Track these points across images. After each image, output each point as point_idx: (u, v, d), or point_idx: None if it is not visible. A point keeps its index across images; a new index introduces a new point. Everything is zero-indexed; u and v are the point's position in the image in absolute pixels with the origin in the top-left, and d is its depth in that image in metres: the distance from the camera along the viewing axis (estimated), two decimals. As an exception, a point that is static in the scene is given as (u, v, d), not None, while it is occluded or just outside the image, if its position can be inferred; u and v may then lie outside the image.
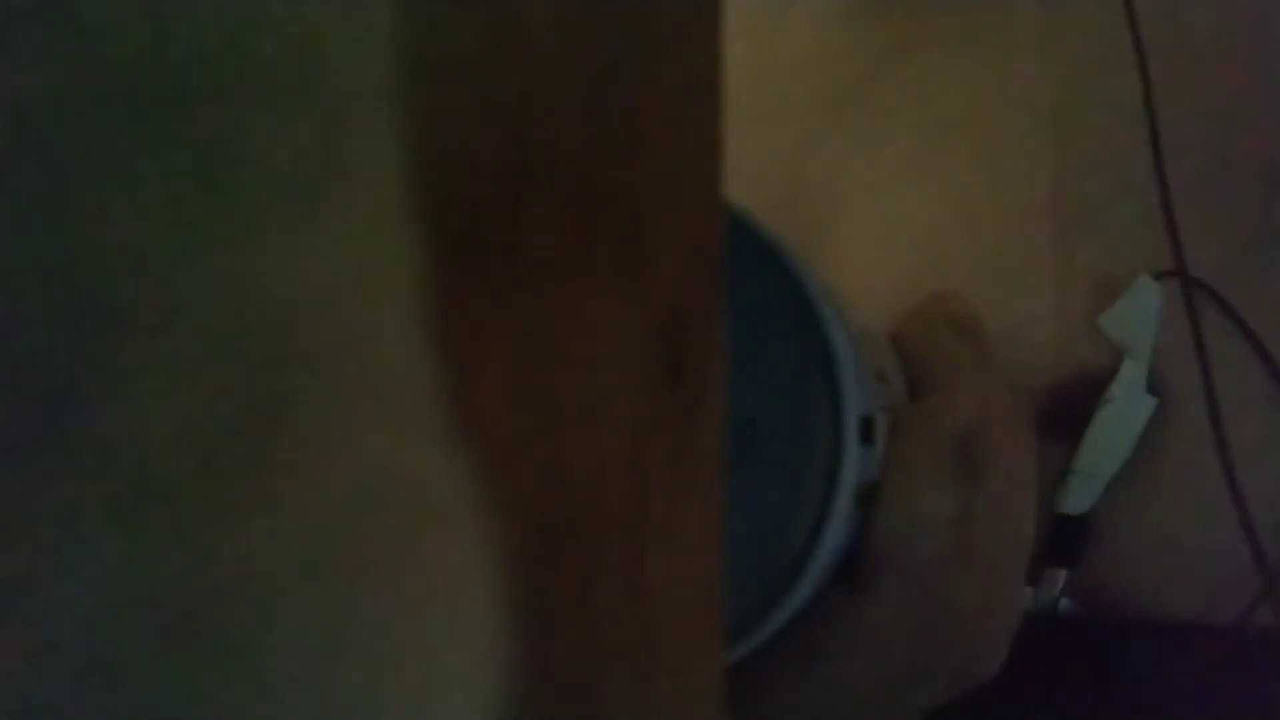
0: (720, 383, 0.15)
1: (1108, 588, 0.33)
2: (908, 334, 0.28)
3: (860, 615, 0.24)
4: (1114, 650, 0.32)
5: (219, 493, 0.10)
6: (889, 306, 0.29)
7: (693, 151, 0.14)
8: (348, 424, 0.10)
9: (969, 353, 0.27)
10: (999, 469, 0.25)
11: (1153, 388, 0.32)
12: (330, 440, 0.10)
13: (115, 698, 0.10)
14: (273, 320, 0.10)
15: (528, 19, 0.11)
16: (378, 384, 0.11)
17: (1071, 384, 0.33)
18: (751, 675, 0.24)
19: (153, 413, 0.09)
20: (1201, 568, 0.32)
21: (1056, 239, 0.33)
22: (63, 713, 0.09)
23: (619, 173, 0.13)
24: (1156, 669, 0.31)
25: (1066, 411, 0.33)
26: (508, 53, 0.11)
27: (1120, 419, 0.32)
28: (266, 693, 0.10)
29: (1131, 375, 0.32)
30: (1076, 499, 0.32)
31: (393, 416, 0.11)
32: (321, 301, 0.10)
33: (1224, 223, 0.32)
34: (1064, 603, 0.33)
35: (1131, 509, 0.32)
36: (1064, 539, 0.33)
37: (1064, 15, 0.33)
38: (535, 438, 0.12)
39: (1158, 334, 0.32)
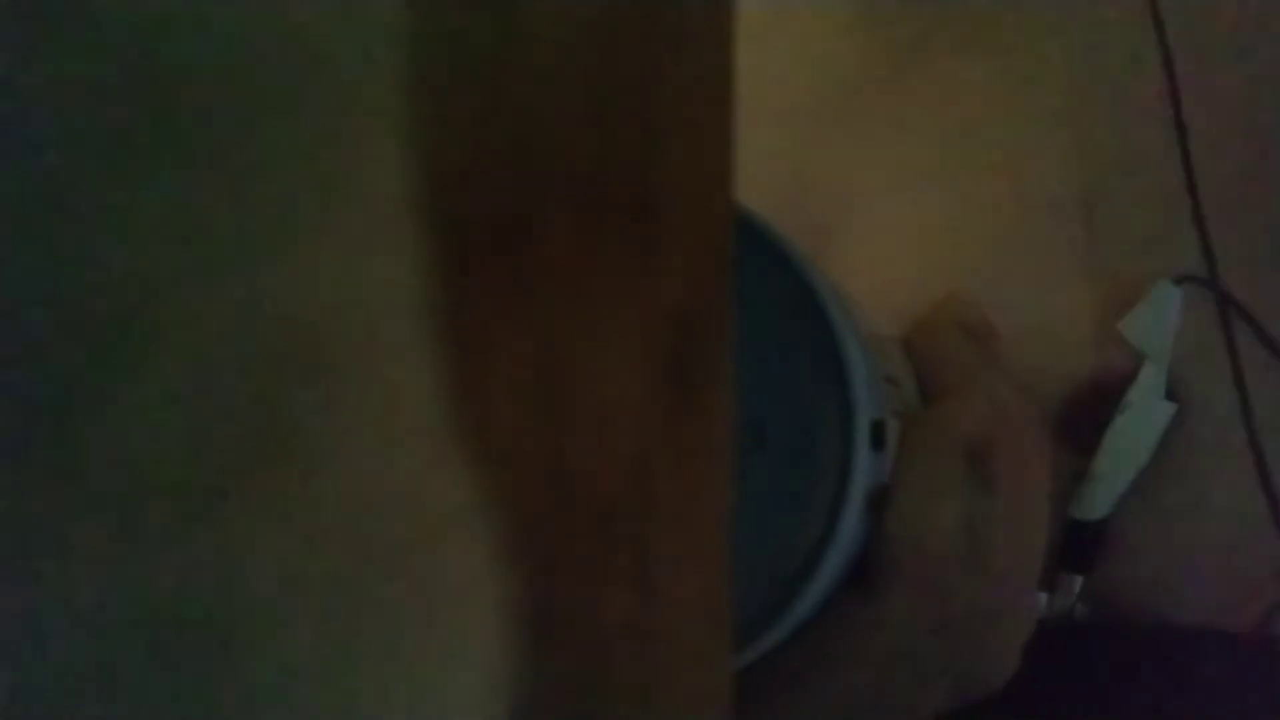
0: (728, 386, 0.14)
1: (1123, 594, 0.32)
2: (919, 338, 0.27)
3: (871, 620, 0.23)
4: (1129, 657, 0.32)
5: (219, 500, 0.10)
6: (900, 310, 0.29)
7: (703, 154, 0.14)
8: (352, 432, 0.10)
9: (981, 357, 0.27)
10: (1011, 475, 0.25)
11: (1171, 393, 0.32)
12: (334, 448, 0.10)
13: (112, 701, 0.10)
14: (276, 327, 0.10)
15: (536, 22, 0.11)
16: (383, 391, 0.11)
17: (1089, 389, 0.32)
18: (761, 680, 0.24)
19: (153, 420, 0.09)
20: (1218, 575, 0.32)
21: (1074, 243, 0.33)
22: (61, 713, 0.09)
23: (628, 175, 0.13)
24: (1172, 676, 0.31)
25: (1084, 417, 0.32)
26: (516, 57, 0.11)
27: (1138, 424, 0.32)
28: (266, 700, 0.10)
29: (1150, 381, 0.32)
30: (1093, 505, 0.32)
31: (398, 424, 0.11)
32: (325, 309, 0.10)
33: (1248, 228, 0.32)
34: (1079, 609, 0.33)
35: (1149, 515, 0.32)
36: (1080, 545, 0.32)
37: (1084, 13, 0.33)
38: (541, 444, 0.12)
39: (1177, 340, 0.32)
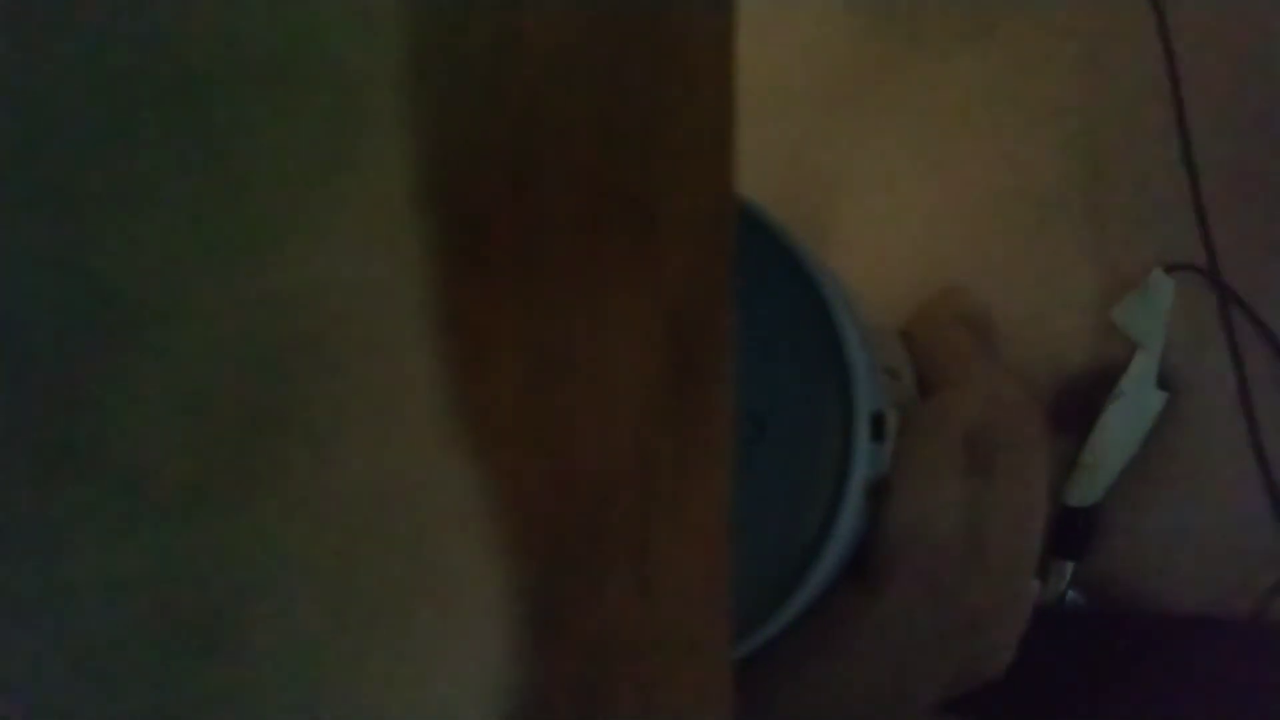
0: (729, 379, 0.14)
1: (1115, 581, 0.32)
2: (918, 329, 0.27)
3: (870, 611, 0.23)
4: (1120, 643, 0.32)
5: (221, 495, 0.10)
6: (899, 302, 0.29)
7: (703, 144, 0.14)
8: (354, 424, 0.10)
9: (979, 348, 0.27)
10: (1009, 465, 0.25)
11: (1163, 382, 0.32)
12: (336, 441, 0.10)
13: (117, 697, 0.09)
14: (277, 320, 0.10)
15: (537, 19, 0.11)
16: (384, 383, 0.11)
17: (1082, 377, 0.32)
18: (761, 671, 0.24)
19: (156, 413, 0.09)
20: (1208, 562, 0.32)
21: (1069, 232, 0.33)
22: (66, 712, 0.09)
23: (628, 166, 0.13)
24: (1162, 663, 0.31)
25: (1077, 404, 0.32)
26: (517, 46, 0.11)
27: (1130, 412, 0.32)
28: (270, 696, 0.10)
29: (1143, 369, 0.32)
30: (1085, 492, 0.32)
31: (399, 417, 0.11)
32: (327, 300, 0.10)
33: (1243, 218, 0.32)
34: (1071, 595, 0.33)
35: (1140, 502, 0.32)
36: (1072, 532, 0.33)
37: (1084, 4, 0.33)
38: (542, 436, 0.12)
39: (1169, 328, 0.32)
